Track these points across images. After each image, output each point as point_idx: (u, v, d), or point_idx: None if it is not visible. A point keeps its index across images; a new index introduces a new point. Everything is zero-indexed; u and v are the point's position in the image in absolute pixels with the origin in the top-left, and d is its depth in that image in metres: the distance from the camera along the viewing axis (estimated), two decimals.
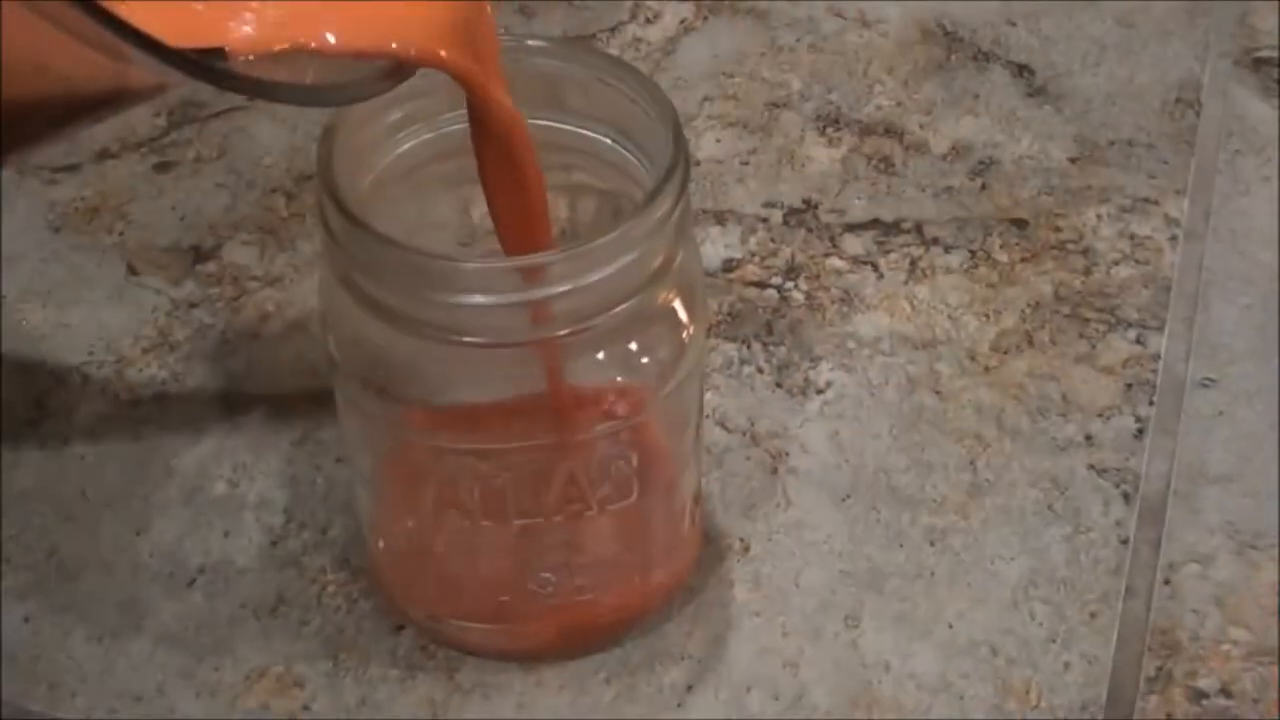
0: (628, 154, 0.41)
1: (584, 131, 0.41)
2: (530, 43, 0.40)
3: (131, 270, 0.55)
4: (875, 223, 0.56)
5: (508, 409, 0.39)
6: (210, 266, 0.55)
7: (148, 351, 0.52)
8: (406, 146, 0.40)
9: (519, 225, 0.39)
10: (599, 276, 0.35)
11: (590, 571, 0.42)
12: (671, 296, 0.38)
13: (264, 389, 0.51)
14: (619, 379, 0.39)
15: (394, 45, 0.35)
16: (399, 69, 0.36)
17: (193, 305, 0.54)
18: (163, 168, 0.58)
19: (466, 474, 0.39)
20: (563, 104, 0.40)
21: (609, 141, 0.41)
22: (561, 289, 0.35)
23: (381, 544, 0.43)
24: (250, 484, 0.49)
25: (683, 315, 0.39)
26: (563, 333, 0.36)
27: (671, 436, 0.41)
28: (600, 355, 0.38)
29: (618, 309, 0.36)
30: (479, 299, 0.35)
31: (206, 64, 0.33)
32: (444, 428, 0.39)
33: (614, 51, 0.63)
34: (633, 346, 0.38)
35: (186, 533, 0.48)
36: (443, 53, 0.36)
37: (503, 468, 0.39)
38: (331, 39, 0.35)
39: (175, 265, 0.55)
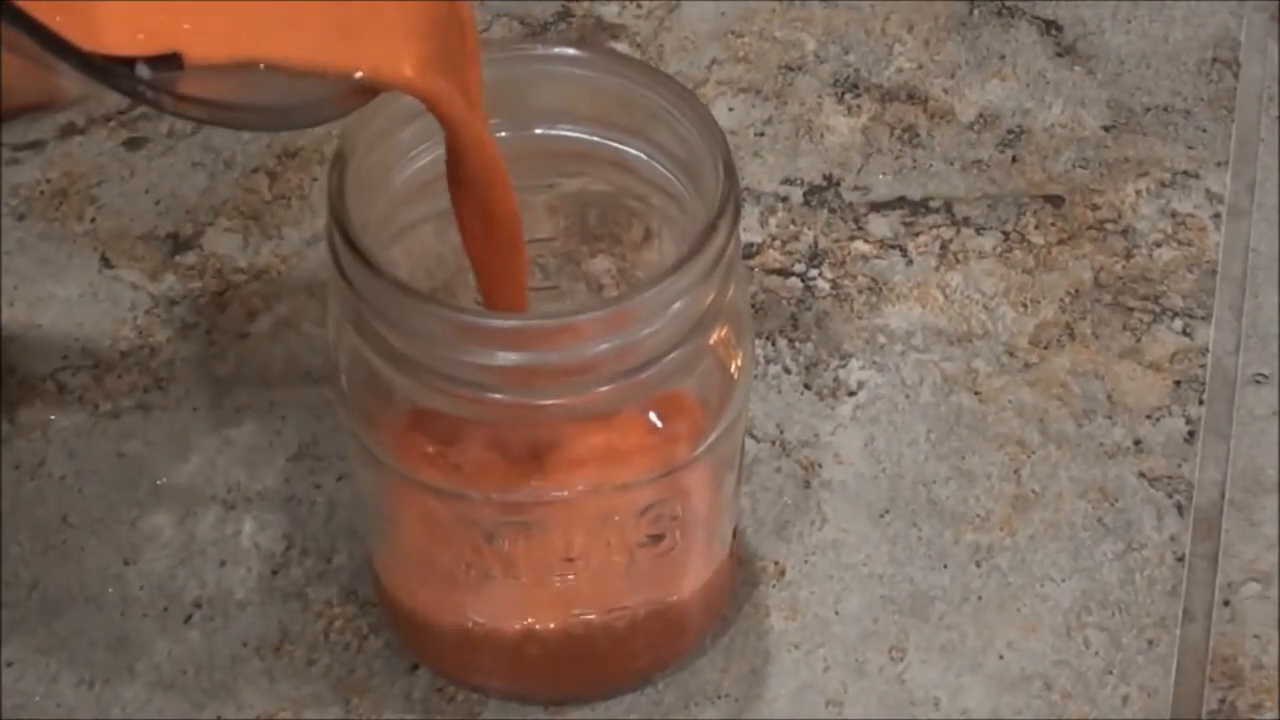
0: (659, 165, 0.37)
1: (610, 142, 0.37)
2: (560, 51, 0.36)
3: (105, 262, 0.51)
4: (902, 201, 0.53)
5: (541, 459, 0.35)
6: (190, 257, 0.51)
7: (127, 355, 0.49)
8: (422, 164, 0.37)
9: (487, 266, 0.35)
10: (648, 331, 0.32)
11: (625, 617, 0.39)
12: (723, 334, 0.35)
13: (255, 397, 0.48)
14: (663, 425, 0.35)
15: (357, 63, 0.32)
16: (365, 88, 0.32)
17: (173, 302, 0.50)
18: (134, 144, 0.54)
19: (496, 527, 0.36)
20: (595, 115, 0.37)
21: (642, 155, 0.37)
22: (605, 346, 0.32)
23: (396, 589, 0.40)
24: (246, 506, 0.45)
25: (732, 349, 0.36)
26: (604, 389, 0.33)
27: (718, 477, 0.37)
28: (645, 405, 0.34)
29: (666, 358, 0.33)
30: (512, 357, 0.32)
31: (143, 80, 0.30)
32: (472, 480, 0.35)
33: (613, 9, 0.59)
34: (680, 392, 0.35)
35: (179, 562, 0.44)
36: (408, 71, 0.32)
37: (535, 520, 0.36)
38: (288, 53, 0.31)
39: (152, 256, 0.51)
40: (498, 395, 0.33)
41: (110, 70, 0.30)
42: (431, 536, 0.37)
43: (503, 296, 0.35)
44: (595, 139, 0.37)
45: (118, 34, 0.30)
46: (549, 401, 0.33)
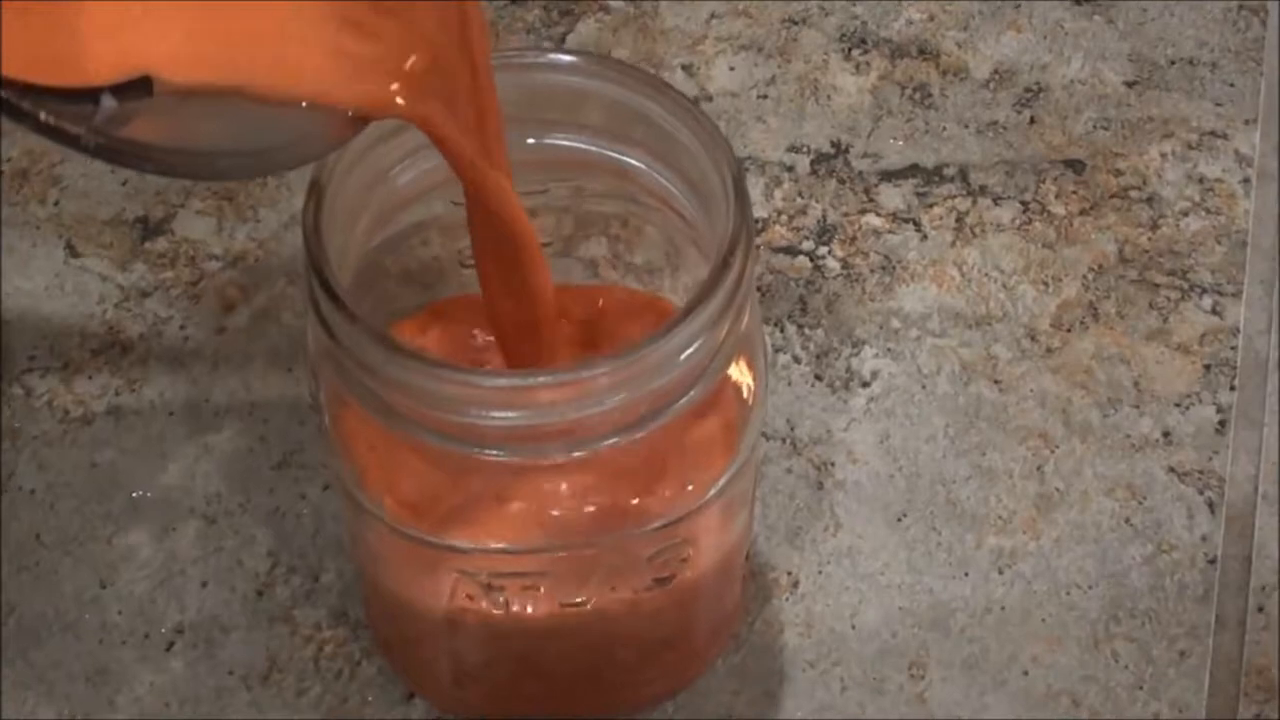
0: (659, 176, 0.34)
1: (608, 152, 0.34)
2: (556, 58, 0.33)
3: (71, 250, 0.48)
4: (914, 169, 0.50)
5: (541, 512, 0.33)
6: (161, 243, 0.48)
7: (98, 354, 0.46)
8: (405, 180, 0.34)
9: (509, 311, 0.33)
10: (659, 383, 0.29)
11: (631, 652, 0.37)
12: (738, 367, 0.32)
13: (234, 398, 0.45)
14: (674, 471, 0.33)
15: (348, 93, 0.29)
16: (357, 118, 0.29)
17: (145, 294, 0.47)
18: None
19: (493, 578, 0.33)
20: (592, 124, 0.34)
21: (642, 166, 0.34)
22: (612, 402, 0.29)
23: (387, 629, 0.38)
24: (228, 520, 0.43)
25: (746, 378, 0.33)
26: (610, 442, 0.30)
27: (732, 515, 0.35)
28: (655, 453, 0.32)
29: (678, 404, 0.30)
30: (509, 415, 0.29)
31: (97, 125, 0.27)
32: (467, 533, 0.33)
33: None
34: (692, 434, 0.32)
35: (159, 583, 0.42)
36: (400, 101, 0.29)
37: (535, 570, 0.33)
38: (274, 79, 0.28)
39: (121, 243, 0.48)
40: (494, 453, 0.30)
41: (62, 114, 0.27)
42: (424, 584, 0.34)
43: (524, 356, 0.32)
44: (593, 149, 0.34)
45: (93, 56, 0.27)
46: (549, 461, 0.30)
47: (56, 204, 0.49)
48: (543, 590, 0.34)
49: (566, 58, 0.33)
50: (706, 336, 0.30)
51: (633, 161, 0.34)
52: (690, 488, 0.33)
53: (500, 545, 0.33)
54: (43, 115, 0.27)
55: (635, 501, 0.32)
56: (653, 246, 0.38)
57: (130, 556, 0.42)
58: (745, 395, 0.34)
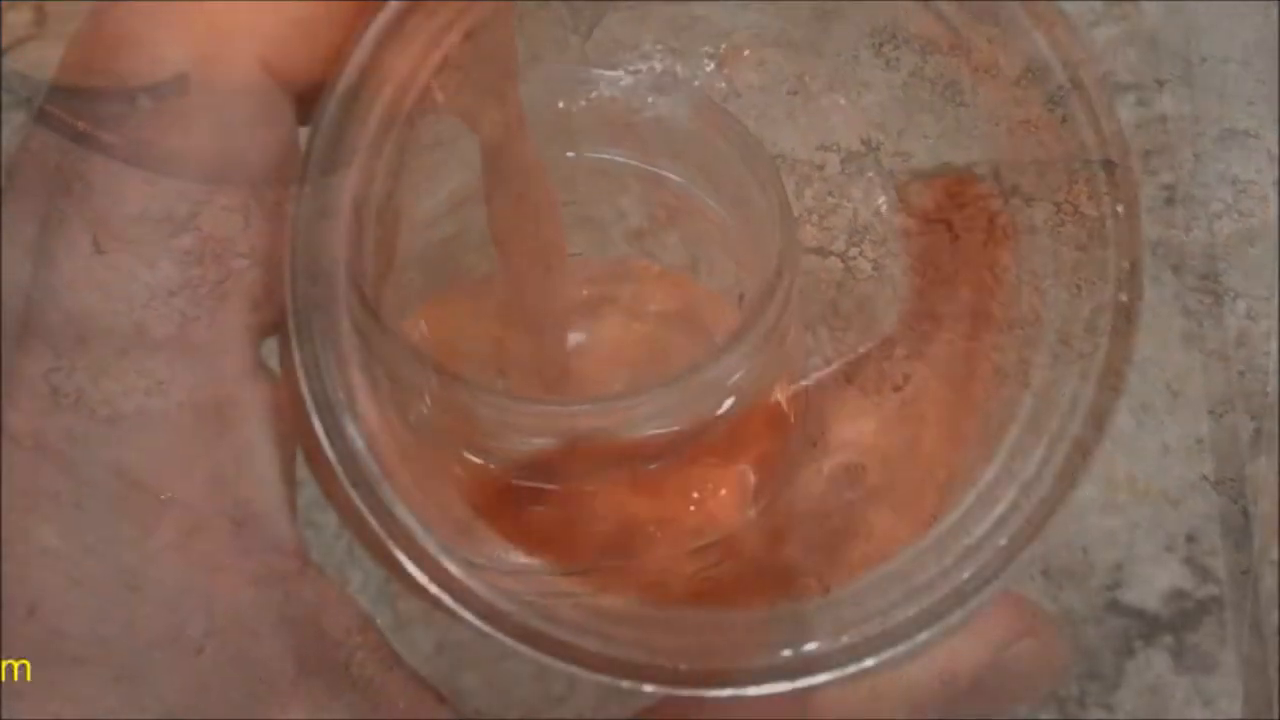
0: (698, 189, 0.34)
1: (646, 166, 0.34)
2: (600, 73, 0.33)
3: (96, 246, 0.47)
4: (945, 169, 0.50)
5: (580, 532, 0.32)
6: (187, 240, 0.48)
7: (124, 353, 0.45)
8: (439, 198, 0.33)
9: (516, 256, 0.33)
10: (701, 409, 0.29)
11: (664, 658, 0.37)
12: (780, 385, 0.32)
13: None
14: (715, 494, 0.33)
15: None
16: None
17: (171, 293, 0.47)
18: None
19: (529, 594, 0.33)
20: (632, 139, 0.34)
21: (681, 180, 0.34)
22: (654, 428, 0.29)
23: (419, 638, 0.38)
24: (256, 520, 0.43)
25: (786, 388, 0.33)
26: (651, 466, 0.30)
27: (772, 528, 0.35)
28: (697, 476, 0.32)
29: (720, 426, 0.30)
30: (549, 441, 0.29)
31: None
32: (500, 549, 0.33)
33: None
34: (736, 456, 0.32)
35: (187, 585, 0.42)
36: (440, 97, 0.29)
37: (564, 591, 0.33)
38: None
39: (146, 238, 0.48)
40: (531, 475, 0.30)
41: (98, 120, 0.27)
42: (455, 598, 0.34)
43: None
44: (631, 163, 0.34)
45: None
46: (588, 484, 0.30)
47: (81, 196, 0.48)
48: (577, 606, 0.33)
49: (609, 72, 0.33)
50: (752, 361, 0.30)
51: (671, 176, 0.34)
52: (731, 509, 0.32)
53: (535, 564, 0.32)
54: (80, 125, 0.27)
55: (675, 522, 0.32)
56: (680, 251, 0.38)
57: (156, 558, 0.42)
58: (786, 408, 0.33)
